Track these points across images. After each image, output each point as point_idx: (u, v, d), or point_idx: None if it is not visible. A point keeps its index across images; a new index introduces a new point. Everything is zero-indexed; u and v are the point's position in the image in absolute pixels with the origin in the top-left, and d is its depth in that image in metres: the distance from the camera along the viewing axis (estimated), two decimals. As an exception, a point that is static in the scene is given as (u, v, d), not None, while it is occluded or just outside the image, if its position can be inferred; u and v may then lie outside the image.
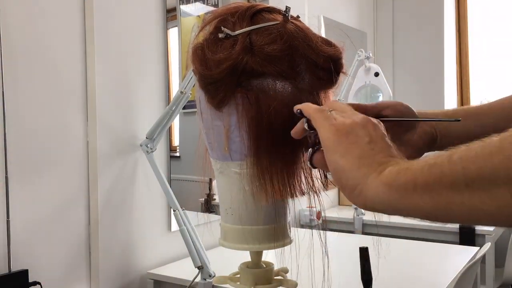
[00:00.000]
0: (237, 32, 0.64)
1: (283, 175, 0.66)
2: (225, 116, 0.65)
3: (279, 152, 0.65)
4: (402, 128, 0.68)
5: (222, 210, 0.73)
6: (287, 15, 0.66)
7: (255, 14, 0.66)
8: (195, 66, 0.66)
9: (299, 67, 0.64)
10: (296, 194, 0.67)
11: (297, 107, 0.58)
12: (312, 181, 0.68)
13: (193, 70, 0.68)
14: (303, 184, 0.68)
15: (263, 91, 0.63)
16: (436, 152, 0.56)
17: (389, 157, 0.47)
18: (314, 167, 0.57)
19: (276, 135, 0.64)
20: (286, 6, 0.66)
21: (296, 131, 0.58)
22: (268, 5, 0.70)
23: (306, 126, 0.56)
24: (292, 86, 0.64)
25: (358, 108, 0.61)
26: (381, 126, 0.52)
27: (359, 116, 0.52)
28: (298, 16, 0.70)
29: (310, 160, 0.56)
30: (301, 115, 0.57)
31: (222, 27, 0.65)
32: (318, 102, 0.66)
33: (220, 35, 0.64)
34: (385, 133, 0.51)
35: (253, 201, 0.69)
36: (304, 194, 0.68)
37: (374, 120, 0.52)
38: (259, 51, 0.62)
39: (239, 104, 0.64)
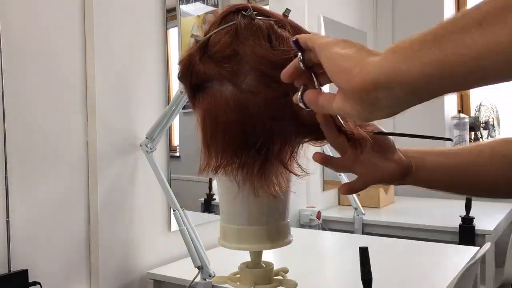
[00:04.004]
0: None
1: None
2: None
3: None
4: (381, 150, 0.67)
5: (224, 212, 0.74)
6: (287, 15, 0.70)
7: None
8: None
9: None
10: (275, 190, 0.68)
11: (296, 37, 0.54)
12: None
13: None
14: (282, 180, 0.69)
15: None
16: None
17: None
18: (306, 106, 0.54)
19: None
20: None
21: (288, 71, 0.55)
22: None
23: (300, 61, 0.53)
24: None
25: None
26: None
27: None
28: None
29: (302, 97, 0.54)
30: (297, 46, 0.53)
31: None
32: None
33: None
34: None
35: (254, 201, 0.69)
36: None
37: None
38: None
39: None
